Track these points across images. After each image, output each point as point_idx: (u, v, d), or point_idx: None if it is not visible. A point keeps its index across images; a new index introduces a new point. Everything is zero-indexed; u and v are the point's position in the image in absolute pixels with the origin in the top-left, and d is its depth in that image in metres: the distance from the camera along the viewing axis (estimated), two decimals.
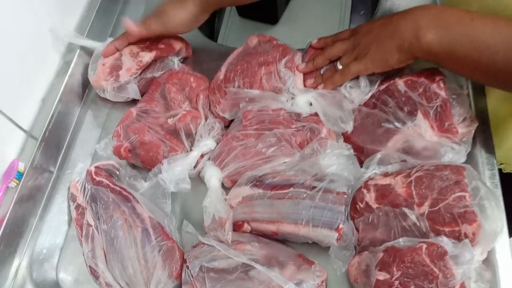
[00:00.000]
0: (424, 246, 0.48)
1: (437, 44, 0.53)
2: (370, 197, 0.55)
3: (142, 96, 0.72)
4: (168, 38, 0.74)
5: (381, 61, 0.59)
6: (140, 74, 0.72)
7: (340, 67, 0.63)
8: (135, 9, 0.88)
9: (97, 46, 0.74)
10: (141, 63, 0.71)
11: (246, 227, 0.58)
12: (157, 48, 0.72)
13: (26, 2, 0.66)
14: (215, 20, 1.05)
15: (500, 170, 0.72)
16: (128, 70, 0.70)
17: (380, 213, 0.54)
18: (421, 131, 0.59)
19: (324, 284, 0.52)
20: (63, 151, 0.71)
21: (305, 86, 0.67)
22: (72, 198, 0.64)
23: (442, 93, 0.59)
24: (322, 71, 0.66)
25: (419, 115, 0.59)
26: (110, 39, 0.74)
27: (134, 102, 0.72)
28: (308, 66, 0.67)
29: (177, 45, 0.75)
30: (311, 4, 1.02)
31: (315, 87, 0.65)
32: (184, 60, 0.78)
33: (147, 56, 0.71)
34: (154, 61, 0.73)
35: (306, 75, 0.67)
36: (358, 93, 0.64)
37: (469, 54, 0.52)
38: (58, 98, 0.70)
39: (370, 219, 0.54)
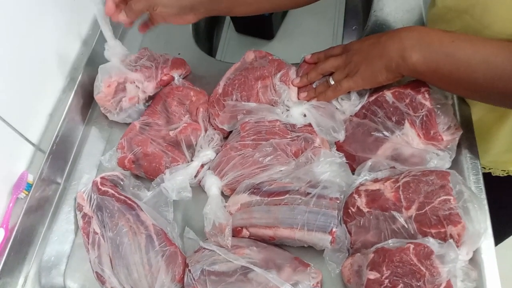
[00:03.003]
0: (412, 246, 0.51)
1: (421, 63, 0.57)
2: (361, 202, 0.58)
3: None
4: (171, 69, 0.77)
5: (370, 79, 0.63)
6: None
7: (332, 82, 0.67)
8: (137, 26, 0.92)
9: (109, 38, 0.75)
10: (144, 94, 0.75)
11: (245, 232, 0.61)
12: (160, 80, 0.76)
13: (36, 20, 0.70)
14: (213, 37, 1.09)
15: (488, 174, 0.76)
16: (131, 99, 0.74)
17: (371, 217, 0.57)
18: (408, 139, 0.62)
19: (319, 285, 0.55)
20: (69, 163, 0.74)
21: (298, 99, 0.70)
22: (78, 207, 0.67)
23: (427, 103, 0.62)
24: (314, 85, 0.70)
25: (407, 124, 0.63)
26: (107, 48, 0.77)
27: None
28: (302, 80, 0.70)
29: (179, 73, 0.79)
30: (305, 20, 1.06)
31: (308, 100, 0.69)
32: (184, 76, 0.81)
33: (150, 87, 0.75)
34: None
35: (299, 88, 0.71)
36: (349, 104, 0.67)
37: (451, 72, 0.56)
38: (65, 113, 0.73)
39: (361, 223, 0.57)
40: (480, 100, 0.61)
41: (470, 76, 0.55)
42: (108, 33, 0.74)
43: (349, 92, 0.67)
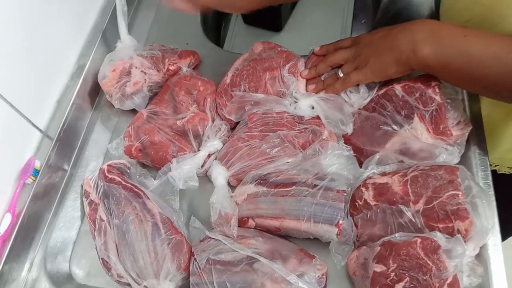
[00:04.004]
0: (419, 240, 0.51)
1: (432, 58, 0.57)
2: (368, 195, 0.58)
3: (149, 100, 0.76)
4: (179, 58, 0.77)
5: (380, 72, 0.62)
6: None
7: (341, 75, 0.66)
8: (146, 14, 0.91)
9: (123, 32, 0.76)
10: (149, 81, 0.74)
11: (251, 223, 0.61)
12: (167, 70, 0.76)
13: (44, 8, 0.70)
14: (221, 28, 1.08)
15: (495, 171, 0.75)
16: (136, 84, 0.74)
17: (378, 210, 0.57)
18: (417, 134, 0.62)
19: (324, 276, 0.55)
20: (76, 150, 0.74)
21: (307, 91, 0.70)
22: (85, 194, 0.67)
23: (438, 98, 0.62)
24: (323, 77, 0.70)
25: (416, 118, 0.62)
26: (120, 44, 0.78)
27: None
28: (311, 72, 0.70)
29: (186, 63, 0.78)
30: (314, 12, 1.05)
31: (316, 93, 0.69)
32: (194, 66, 0.81)
33: (156, 76, 0.75)
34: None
35: (308, 80, 0.71)
36: (357, 97, 0.67)
37: (462, 68, 0.55)
38: (72, 100, 0.73)
39: (368, 216, 0.57)
40: (490, 96, 0.60)
41: (481, 72, 0.54)
42: (123, 27, 0.75)
43: (358, 85, 0.66)
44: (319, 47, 0.72)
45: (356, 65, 0.65)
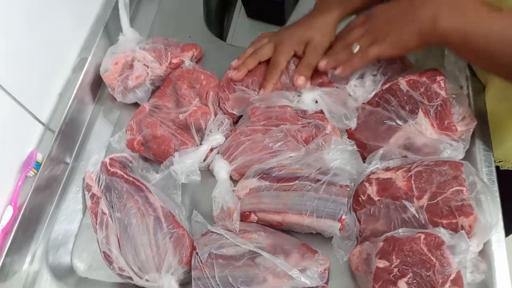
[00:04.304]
0: (422, 236, 0.51)
1: (453, 31, 0.55)
2: (372, 190, 0.58)
3: (151, 93, 0.75)
4: (181, 51, 0.76)
5: (400, 45, 0.60)
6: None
7: (356, 49, 0.63)
8: (149, 7, 0.91)
9: (125, 25, 0.76)
10: (151, 74, 0.74)
11: (253, 217, 0.60)
12: (170, 63, 0.75)
13: (47, 1, 0.69)
14: (224, 21, 1.08)
15: (497, 167, 0.75)
16: (138, 77, 0.73)
17: (381, 206, 0.56)
18: (421, 129, 0.61)
19: (326, 271, 0.55)
20: (78, 143, 0.74)
21: (319, 69, 0.67)
22: (87, 187, 0.67)
23: (443, 93, 0.61)
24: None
25: (420, 113, 0.62)
26: (122, 37, 0.77)
27: None
28: (330, 62, 0.67)
29: (189, 56, 0.78)
30: None
31: (329, 68, 0.66)
32: (197, 60, 0.81)
33: (158, 70, 0.74)
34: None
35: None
36: (362, 91, 0.67)
37: (481, 44, 0.54)
38: (74, 93, 0.73)
39: (371, 211, 0.57)
40: (505, 77, 0.59)
41: (500, 51, 0.53)
42: (125, 21, 0.74)
43: (363, 79, 0.66)
44: None
45: (373, 38, 0.62)
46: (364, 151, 0.64)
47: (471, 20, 0.54)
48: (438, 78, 0.62)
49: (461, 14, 0.55)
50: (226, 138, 0.68)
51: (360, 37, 0.63)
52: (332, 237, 0.58)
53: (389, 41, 0.60)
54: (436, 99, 0.61)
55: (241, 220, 0.60)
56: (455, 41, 0.56)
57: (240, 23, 1.05)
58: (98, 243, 0.61)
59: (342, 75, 0.65)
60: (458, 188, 0.53)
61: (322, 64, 0.66)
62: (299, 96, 0.69)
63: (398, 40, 0.60)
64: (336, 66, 0.65)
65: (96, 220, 0.63)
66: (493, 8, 0.54)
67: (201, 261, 0.55)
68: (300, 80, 0.67)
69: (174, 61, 0.76)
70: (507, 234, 0.58)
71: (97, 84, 0.79)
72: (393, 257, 0.51)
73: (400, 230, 0.53)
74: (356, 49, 0.63)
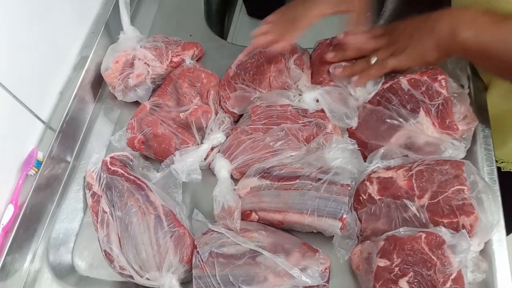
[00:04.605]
0: (423, 235, 0.51)
1: (472, 42, 0.56)
2: (373, 189, 0.58)
3: (152, 92, 0.75)
4: (182, 50, 0.76)
5: (418, 57, 0.61)
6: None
7: (373, 61, 0.64)
8: (150, 5, 0.91)
9: (126, 23, 0.76)
10: (152, 72, 0.74)
11: (254, 216, 0.60)
12: (170, 61, 0.75)
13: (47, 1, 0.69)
14: (225, 20, 1.08)
15: (498, 169, 0.74)
16: (139, 76, 0.73)
17: (382, 205, 0.56)
18: (423, 128, 0.61)
19: (327, 271, 0.55)
20: (79, 142, 0.74)
21: (335, 76, 0.67)
22: (88, 186, 0.67)
23: (444, 92, 0.61)
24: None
25: (421, 112, 0.62)
26: (122, 35, 0.77)
27: None
28: (338, 55, 0.68)
29: (190, 54, 0.78)
30: None
31: (345, 76, 0.66)
32: (197, 58, 0.80)
33: (159, 68, 0.74)
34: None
35: (322, 67, 0.69)
36: (363, 91, 0.66)
37: (500, 54, 0.55)
38: (75, 92, 0.73)
39: (372, 210, 0.57)
40: None
41: None
42: (125, 18, 0.74)
43: None
44: (342, 33, 0.68)
45: (392, 51, 0.63)
46: (365, 150, 0.64)
47: (489, 30, 0.55)
48: (440, 77, 0.62)
49: (479, 25, 0.55)
50: (227, 137, 0.68)
51: (378, 50, 0.65)
52: (333, 236, 0.58)
53: (407, 54, 0.61)
54: (438, 98, 0.61)
55: (242, 219, 0.60)
56: (474, 52, 0.57)
57: (241, 21, 1.05)
58: (99, 242, 0.61)
59: (357, 84, 0.66)
60: (459, 187, 0.53)
61: (337, 72, 0.67)
62: (300, 95, 0.69)
63: (416, 53, 0.61)
64: (352, 74, 0.66)
65: (97, 218, 0.63)
66: (506, 15, 0.54)
67: (202, 260, 0.55)
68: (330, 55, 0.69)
69: (175, 59, 0.76)
70: (508, 233, 0.58)
71: (98, 83, 0.79)
72: (394, 256, 0.51)
73: (401, 229, 0.53)
74: (373, 60, 0.64)
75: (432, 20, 0.59)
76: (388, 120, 0.63)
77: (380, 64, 0.64)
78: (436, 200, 0.54)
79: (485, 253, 0.55)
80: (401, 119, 0.62)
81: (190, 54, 0.78)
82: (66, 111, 0.71)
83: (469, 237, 0.52)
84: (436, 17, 0.59)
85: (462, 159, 0.59)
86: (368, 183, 0.58)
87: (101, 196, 0.64)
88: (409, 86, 0.63)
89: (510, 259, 0.55)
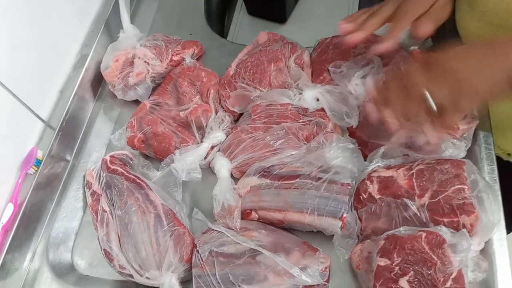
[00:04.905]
0: (424, 234, 0.51)
1: None
2: (373, 188, 0.58)
3: (152, 91, 0.75)
4: (182, 48, 0.76)
5: (491, 95, 0.51)
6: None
7: (434, 107, 0.50)
8: (150, 4, 0.91)
9: (125, 22, 0.75)
10: (152, 71, 0.73)
11: (254, 215, 0.60)
12: (170, 60, 0.75)
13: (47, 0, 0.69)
14: (225, 19, 1.07)
15: (507, 163, 0.73)
16: (139, 74, 0.73)
17: (383, 204, 0.56)
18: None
19: (327, 270, 0.55)
20: (79, 141, 0.74)
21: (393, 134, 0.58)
22: (87, 185, 0.67)
23: None
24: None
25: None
26: (122, 33, 0.77)
27: None
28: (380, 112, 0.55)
29: (190, 53, 0.77)
30: (319, 4, 1.04)
31: (402, 129, 0.55)
32: (197, 57, 0.80)
33: (159, 67, 0.74)
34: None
35: (322, 66, 0.67)
36: (363, 90, 0.66)
37: None
38: (75, 90, 0.73)
39: (372, 209, 0.57)
40: None
41: None
42: (125, 17, 0.74)
43: (364, 78, 0.65)
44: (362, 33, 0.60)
45: (457, 92, 0.49)
46: (365, 149, 0.64)
47: None
48: None
49: None
50: (227, 136, 0.68)
51: (428, 84, 0.50)
52: (333, 235, 0.58)
53: (479, 93, 0.50)
54: None
55: (242, 218, 0.60)
56: None
57: (241, 20, 1.05)
58: (99, 241, 0.61)
59: (433, 142, 0.54)
60: (459, 186, 0.53)
61: (394, 126, 0.54)
62: (300, 94, 0.68)
63: (488, 91, 0.49)
64: (407, 120, 0.53)
65: (97, 217, 0.62)
66: None
67: (202, 259, 0.55)
68: (426, 28, 0.58)
69: (175, 58, 0.76)
70: (508, 232, 0.58)
71: (98, 81, 0.79)
72: (394, 255, 0.51)
73: (401, 228, 0.53)
74: (434, 107, 0.50)
75: (497, 51, 0.49)
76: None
77: (453, 108, 0.50)
78: (436, 199, 0.53)
79: (486, 252, 0.55)
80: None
81: (190, 53, 0.78)
82: (66, 109, 0.71)
83: (470, 236, 0.52)
84: (501, 47, 0.49)
85: (463, 158, 0.59)
86: (368, 182, 0.58)
87: (101, 195, 0.64)
88: None
89: (511, 258, 0.55)
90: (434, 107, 0.50)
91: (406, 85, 0.52)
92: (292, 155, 0.63)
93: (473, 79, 0.49)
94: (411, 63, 0.54)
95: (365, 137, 0.64)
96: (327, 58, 0.70)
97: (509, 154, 0.73)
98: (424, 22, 0.59)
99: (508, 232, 0.58)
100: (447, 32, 0.69)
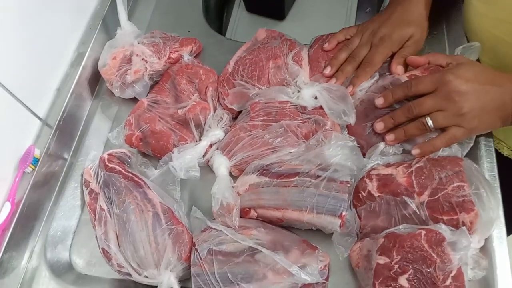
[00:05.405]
0: (423, 232, 0.50)
1: None
2: (372, 186, 0.57)
3: (150, 88, 0.74)
4: (180, 46, 0.76)
5: (484, 128, 0.59)
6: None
7: (430, 124, 0.57)
8: (147, 3, 0.90)
9: (123, 19, 0.75)
10: (150, 69, 0.73)
11: (253, 213, 0.60)
12: (168, 57, 0.74)
13: None
14: (223, 16, 1.07)
15: (499, 165, 0.73)
16: (136, 72, 0.72)
17: (382, 202, 0.56)
18: None
19: (326, 268, 0.54)
20: (76, 139, 0.74)
21: (387, 143, 0.61)
22: (85, 183, 0.66)
23: None
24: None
25: None
26: (120, 31, 0.77)
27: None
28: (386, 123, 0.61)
29: (188, 50, 0.77)
30: (317, 1, 1.04)
31: (397, 143, 0.60)
32: (195, 54, 0.80)
33: (157, 64, 0.73)
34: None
35: (319, 63, 0.68)
36: (360, 87, 0.66)
37: None
38: (72, 88, 0.72)
39: (372, 207, 0.57)
40: None
41: None
42: (123, 14, 0.74)
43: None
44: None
45: (456, 119, 0.56)
46: (364, 148, 0.63)
47: None
48: None
49: None
50: (226, 134, 0.68)
51: (433, 110, 0.57)
52: (332, 233, 0.58)
53: (475, 125, 0.57)
54: None
55: (240, 216, 0.60)
56: None
57: (240, 17, 1.04)
58: (97, 239, 0.61)
59: (420, 156, 0.58)
60: (459, 184, 0.53)
61: (389, 139, 0.60)
62: (298, 91, 0.68)
63: (483, 126, 0.58)
64: (405, 139, 0.60)
65: (95, 216, 0.62)
66: None
67: (201, 258, 0.55)
68: (399, 69, 0.65)
69: (173, 55, 0.75)
70: (508, 234, 0.58)
71: (95, 79, 0.79)
72: (394, 253, 0.51)
73: (400, 226, 0.53)
74: (429, 123, 0.57)
75: (503, 90, 0.55)
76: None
77: (445, 135, 0.57)
78: (436, 197, 0.53)
79: (485, 250, 0.55)
80: None
81: (188, 50, 0.77)
82: (63, 108, 0.70)
83: (469, 234, 0.52)
84: (508, 88, 0.55)
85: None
86: (367, 180, 0.58)
87: (99, 194, 0.63)
88: None
89: (511, 256, 0.55)
90: (432, 129, 0.57)
91: (411, 106, 0.58)
92: (291, 153, 0.63)
93: (474, 120, 0.56)
94: (422, 81, 0.59)
95: (363, 134, 0.64)
96: (324, 55, 0.70)
97: None
98: (394, 63, 0.66)
99: (508, 234, 0.58)
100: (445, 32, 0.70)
